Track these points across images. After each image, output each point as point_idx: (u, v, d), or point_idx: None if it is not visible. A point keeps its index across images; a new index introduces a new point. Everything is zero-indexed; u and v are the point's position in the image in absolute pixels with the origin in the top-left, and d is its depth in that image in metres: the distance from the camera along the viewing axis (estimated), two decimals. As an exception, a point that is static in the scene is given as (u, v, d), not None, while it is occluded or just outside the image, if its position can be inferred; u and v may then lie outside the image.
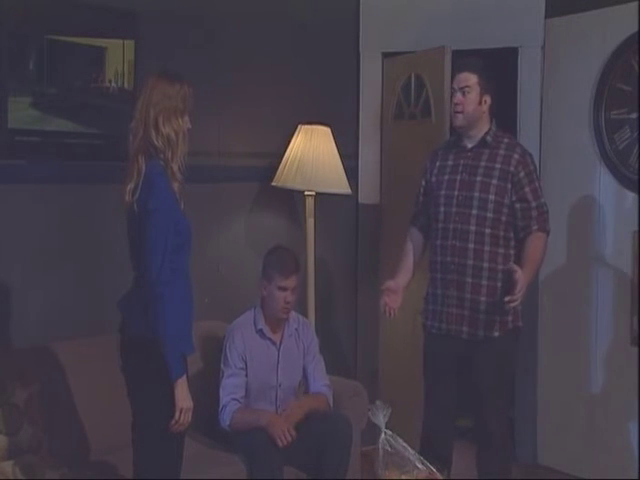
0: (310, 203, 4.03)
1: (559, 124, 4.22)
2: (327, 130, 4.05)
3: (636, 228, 3.82)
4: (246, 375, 3.33)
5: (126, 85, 3.54)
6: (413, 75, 4.34)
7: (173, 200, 2.56)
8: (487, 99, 3.22)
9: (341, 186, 4.05)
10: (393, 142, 4.53)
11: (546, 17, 4.21)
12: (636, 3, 3.79)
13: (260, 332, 3.39)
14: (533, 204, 3.17)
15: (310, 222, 4.04)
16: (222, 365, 3.34)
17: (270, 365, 3.38)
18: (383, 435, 2.53)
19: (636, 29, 3.79)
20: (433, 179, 3.33)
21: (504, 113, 4.44)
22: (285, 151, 4.02)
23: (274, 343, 3.41)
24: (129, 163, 2.57)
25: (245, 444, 3.16)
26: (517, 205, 3.16)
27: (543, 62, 4.25)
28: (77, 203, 3.47)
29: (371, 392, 3.79)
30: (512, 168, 3.16)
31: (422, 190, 3.42)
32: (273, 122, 4.15)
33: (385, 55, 4.55)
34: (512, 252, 3.20)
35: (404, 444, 2.55)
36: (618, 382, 3.94)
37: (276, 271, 3.33)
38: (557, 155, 4.23)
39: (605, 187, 4.02)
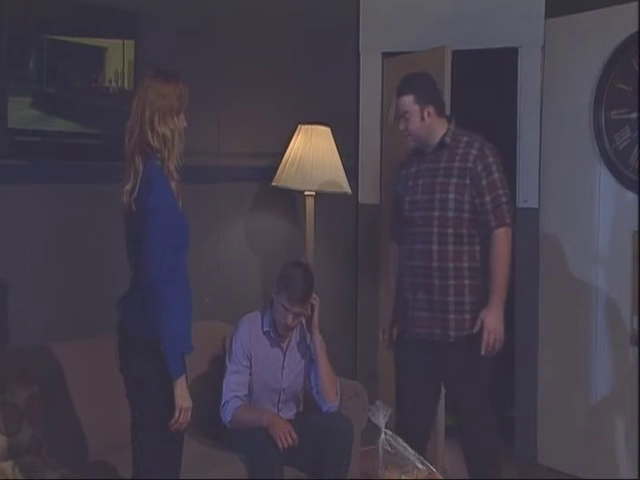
0: (310, 203, 4.03)
1: (559, 124, 4.21)
2: (327, 130, 4.04)
3: (636, 228, 3.82)
4: (250, 374, 3.33)
5: (126, 85, 3.54)
6: (413, 75, 4.34)
7: (172, 199, 2.56)
8: (430, 110, 3.22)
9: (341, 186, 4.05)
10: (393, 142, 4.52)
11: (546, 17, 4.21)
12: (636, 3, 3.79)
13: (267, 334, 3.38)
14: (488, 198, 3.13)
15: (310, 222, 4.04)
16: (227, 360, 3.33)
17: (275, 368, 3.38)
18: (383, 435, 2.53)
19: (636, 29, 3.79)
20: (399, 187, 3.35)
21: (504, 113, 4.46)
22: (285, 151, 4.02)
23: (280, 347, 3.40)
24: (126, 163, 2.57)
25: (245, 444, 3.16)
26: (476, 200, 3.14)
27: (543, 62, 4.25)
28: (77, 203, 3.47)
29: (371, 392, 3.79)
30: (470, 164, 3.16)
31: (394, 200, 3.42)
32: (273, 122, 4.15)
33: (385, 55, 4.56)
34: (477, 248, 3.17)
35: (404, 444, 2.54)
36: (618, 382, 3.94)
37: (285, 291, 3.29)
38: (557, 155, 4.23)
39: (605, 187, 4.02)
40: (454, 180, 3.15)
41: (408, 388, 3.30)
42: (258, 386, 3.35)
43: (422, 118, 3.21)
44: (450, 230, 3.14)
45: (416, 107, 3.21)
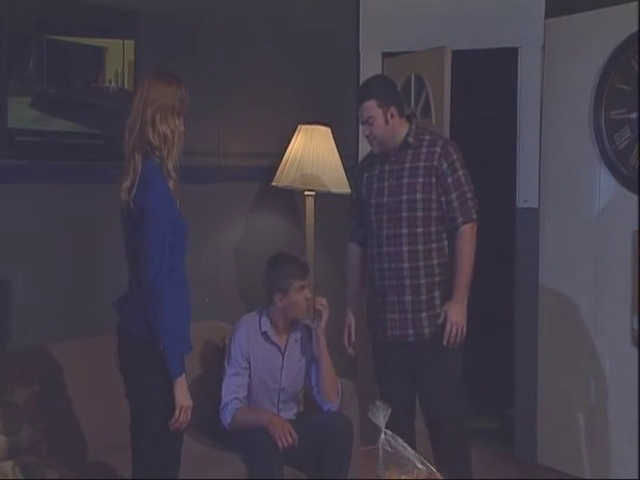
0: (310, 203, 4.03)
1: (559, 124, 4.21)
2: (327, 130, 4.05)
3: (636, 228, 3.82)
4: (249, 376, 3.33)
5: (126, 85, 3.54)
6: (413, 75, 4.34)
7: (170, 199, 2.56)
8: (393, 111, 3.22)
9: (341, 186, 4.05)
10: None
11: (546, 17, 4.21)
12: (636, 3, 3.78)
13: (265, 335, 3.38)
14: (454, 195, 3.17)
15: (310, 222, 4.04)
16: (225, 362, 3.33)
17: (274, 368, 3.37)
18: (383, 435, 2.52)
19: (636, 29, 3.79)
20: (363, 190, 3.35)
21: (504, 113, 4.46)
22: (285, 151, 4.02)
23: (279, 348, 3.39)
24: (125, 160, 2.57)
25: (245, 444, 3.16)
26: (442, 198, 3.17)
27: (543, 62, 4.25)
28: (77, 203, 3.47)
29: (371, 392, 3.79)
30: (435, 162, 3.18)
31: (355, 203, 3.44)
32: (273, 122, 4.15)
33: (385, 55, 4.55)
34: (445, 244, 3.21)
35: (404, 444, 2.54)
36: (618, 382, 3.94)
37: (293, 278, 3.30)
38: (557, 155, 4.23)
39: (605, 187, 4.02)
40: (420, 180, 3.18)
41: (389, 389, 3.32)
42: (258, 387, 3.35)
43: (386, 121, 3.21)
44: (419, 229, 3.18)
45: (379, 111, 3.21)
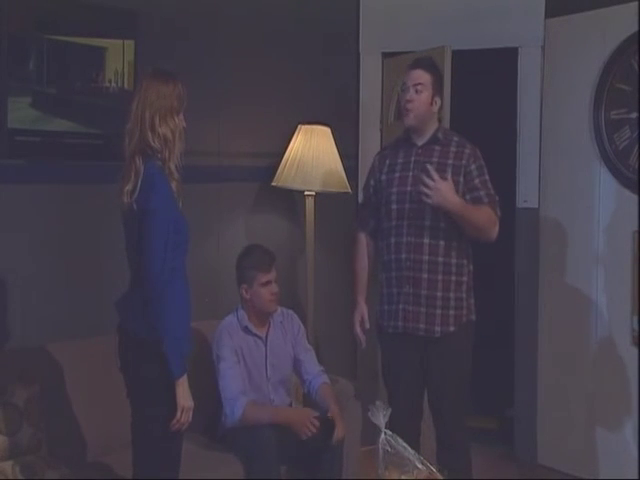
0: (310, 203, 4.03)
1: (559, 124, 4.22)
2: (327, 130, 4.05)
3: (636, 228, 3.83)
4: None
5: (126, 85, 3.54)
6: (413, 75, 4.34)
7: (172, 200, 2.56)
8: (438, 100, 3.22)
9: (341, 186, 4.05)
10: (393, 142, 4.52)
11: (546, 17, 4.21)
12: (636, 3, 3.79)
13: (246, 329, 3.39)
14: (482, 192, 3.16)
15: (310, 222, 4.04)
16: (217, 363, 3.32)
17: (259, 361, 3.39)
18: (383, 435, 2.53)
19: (636, 29, 3.79)
20: (383, 177, 3.31)
21: (504, 113, 4.46)
22: (285, 151, 4.02)
23: (260, 338, 3.41)
24: (125, 164, 2.57)
25: (244, 443, 3.16)
26: (467, 196, 3.16)
27: (543, 62, 4.26)
28: (77, 203, 3.47)
29: (371, 392, 3.79)
30: (464, 161, 3.18)
31: (372, 190, 3.38)
32: (273, 122, 4.15)
33: (385, 55, 4.56)
34: (464, 246, 3.21)
35: (404, 444, 2.54)
36: (618, 382, 3.94)
37: (256, 271, 3.33)
38: (557, 155, 4.23)
39: (605, 187, 4.02)
40: (448, 176, 3.14)
41: (395, 384, 3.30)
42: (247, 383, 3.35)
43: (431, 103, 3.20)
44: (442, 225, 3.15)
45: (430, 88, 3.20)
